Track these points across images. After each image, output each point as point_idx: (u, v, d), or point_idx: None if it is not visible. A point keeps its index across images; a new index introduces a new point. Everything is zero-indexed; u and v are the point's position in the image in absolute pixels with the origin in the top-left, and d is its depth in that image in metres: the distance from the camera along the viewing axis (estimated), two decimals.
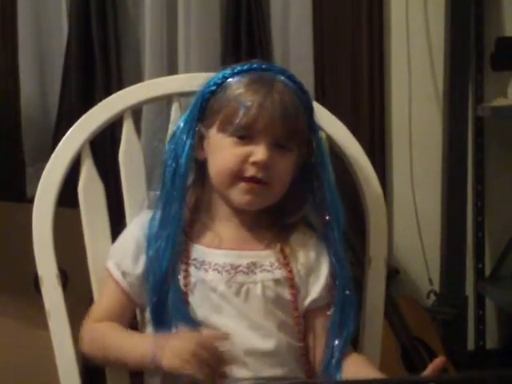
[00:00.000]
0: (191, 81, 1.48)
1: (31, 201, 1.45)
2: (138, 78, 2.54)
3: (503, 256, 2.75)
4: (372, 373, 1.32)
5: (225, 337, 1.26)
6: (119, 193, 1.51)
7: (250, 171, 1.32)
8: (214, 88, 1.36)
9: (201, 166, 1.39)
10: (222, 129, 1.34)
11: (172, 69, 2.57)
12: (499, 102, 2.66)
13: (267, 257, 1.37)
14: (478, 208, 2.78)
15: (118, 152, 1.50)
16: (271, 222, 1.40)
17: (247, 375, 1.30)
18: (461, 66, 2.63)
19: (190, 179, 1.39)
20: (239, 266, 1.34)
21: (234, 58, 2.52)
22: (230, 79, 1.35)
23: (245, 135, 1.32)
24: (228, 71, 1.36)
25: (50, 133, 2.54)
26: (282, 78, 1.35)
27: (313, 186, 1.40)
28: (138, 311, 1.45)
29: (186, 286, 1.33)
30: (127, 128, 1.50)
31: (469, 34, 2.64)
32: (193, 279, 1.33)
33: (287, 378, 1.33)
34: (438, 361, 1.22)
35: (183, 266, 1.34)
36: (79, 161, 1.47)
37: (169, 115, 1.54)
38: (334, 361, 1.34)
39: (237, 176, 1.33)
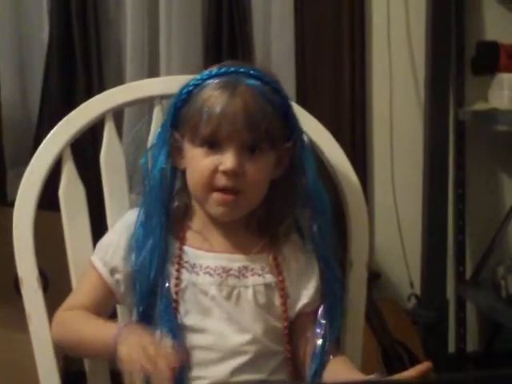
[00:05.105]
0: (173, 83, 1.47)
1: (12, 204, 1.44)
2: (119, 81, 2.53)
3: (484, 259, 2.76)
4: (354, 374, 1.32)
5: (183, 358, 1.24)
6: (100, 195, 1.50)
7: (221, 181, 1.31)
8: (184, 96, 1.35)
9: (184, 174, 1.38)
10: (191, 140, 1.33)
11: (153, 71, 2.56)
12: (480, 105, 2.68)
13: (258, 261, 1.37)
14: (458, 211, 2.79)
15: (100, 154, 1.50)
16: (262, 229, 1.40)
17: (229, 377, 1.31)
18: (442, 70, 2.64)
19: (177, 186, 1.39)
20: (230, 269, 1.35)
21: (215, 59, 2.53)
22: (198, 86, 1.34)
23: (212, 144, 1.31)
24: (198, 77, 1.35)
25: (30, 135, 2.52)
26: (248, 80, 1.32)
27: (299, 185, 1.38)
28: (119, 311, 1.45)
29: (176, 293, 1.33)
30: (108, 130, 1.50)
31: (450, 39, 2.65)
32: (184, 283, 1.33)
33: (272, 381, 1.34)
34: (424, 366, 1.20)
35: (175, 272, 1.34)
36: (60, 163, 1.47)
37: (151, 117, 1.54)
38: (320, 363, 1.35)
39: (210, 187, 1.32)
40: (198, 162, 1.32)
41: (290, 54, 2.62)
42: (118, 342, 1.22)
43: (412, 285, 2.72)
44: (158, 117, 1.52)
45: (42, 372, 1.44)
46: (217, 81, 1.33)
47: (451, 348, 2.83)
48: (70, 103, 2.37)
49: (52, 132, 1.47)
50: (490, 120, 2.60)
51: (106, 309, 1.40)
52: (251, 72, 1.34)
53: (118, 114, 1.58)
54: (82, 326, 1.33)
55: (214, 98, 1.30)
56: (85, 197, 1.48)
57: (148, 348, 1.18)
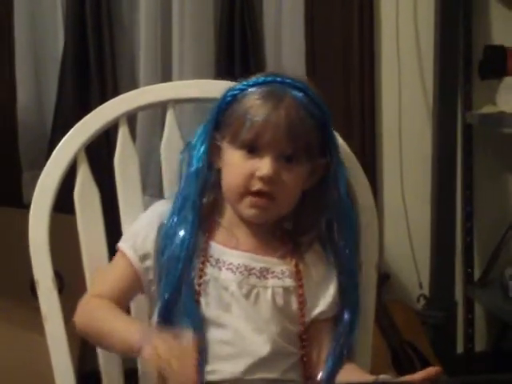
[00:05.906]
0: (186, 88, 1.50)
1: (27, 206, 1.46)
2: (133, 85, 2.54)
3: (492, 261, 2.77)
4: (364, 377, 1.34)
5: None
6: (114, 198, 1.52)
7: (257, 185, 1.34)
8: (229, 99, 1.37)
9: (219, 172, 1.40)
10: (232, 142, 1.36)
11: (166, 75, 2.58)
12: (488, 109, 2.68)
13: (279, 265, 1.39)
14: (466, 213, 2.80)
15: (114, 157, 1.52)
16: (287, 237, 1.42)
17: (242, 374, 1.33)
18: (450, 74, 2.65)
19: (210, 182, 1.41)
20: (253, 268, 1.37)
21: (227, 64, 2.55)
22: (244, 92, 1.36)
23: (251, 149, 1.34)
24: (244, 83, 1.37)
25: (46, 139, 2.54)
26: (294, 92, 1.35)
27: (329, 199, 1.40)
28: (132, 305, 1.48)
29: (199, 285, 1.35)
30: (122, 134, 1.51)
31: (457, 43, 2.66)
32: (207, 276, 1.36)
33: (285, 380, 1.36)
34: (433, 370, 1.21)
35: (200, 265, 1.36)
36: (75, 167, 1.49)
37: (164, 122, 1.55)
38: (334, 367, 1.37)
39: (244, 191, 1.35)
40: (236, 166, 1.35)
41: (301, 60, 2.64)
42: (143, 341, 1.22)
43: (421, 286, 2.72)
44: (171, 120, 1.54)
45: (57, 372, 1.45)
46: (262, 89, 1.35)
47: (460, 348, 2.84)
48: (84, 107, 2.39)
49: (67, 136, 1.49)
50: (497, 123, 2.61)
51: (129, 297, 1.42)
52: (297, 84, 1.36)
53: (131, 117, 1.60)
54: (107, 319, 1.33)
55: (258, 106, 1.33)
56: (99, 199, 1.49)
57: (173, 348, 1.18)
